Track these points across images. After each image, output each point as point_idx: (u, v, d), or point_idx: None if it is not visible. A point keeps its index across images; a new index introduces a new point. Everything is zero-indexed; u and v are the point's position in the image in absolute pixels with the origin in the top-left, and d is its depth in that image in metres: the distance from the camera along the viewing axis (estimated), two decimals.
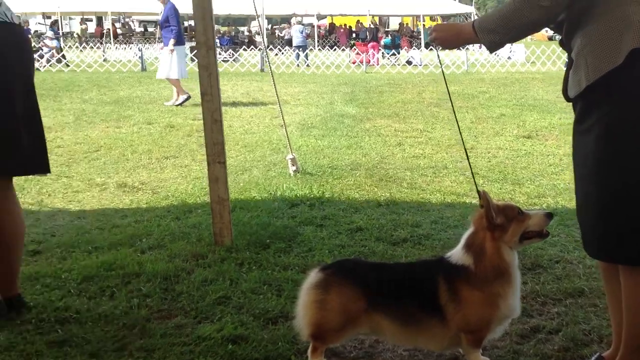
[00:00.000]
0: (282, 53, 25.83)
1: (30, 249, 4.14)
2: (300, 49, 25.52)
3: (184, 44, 12.81)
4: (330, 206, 5.11)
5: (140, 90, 14.84)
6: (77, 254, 4.12)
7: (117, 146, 7.98)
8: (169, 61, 12.00)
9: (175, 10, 12.10)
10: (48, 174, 3.39)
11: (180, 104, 11.86)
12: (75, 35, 40.33)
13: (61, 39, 30.82)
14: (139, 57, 23.89)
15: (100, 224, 4.82)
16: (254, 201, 5.28)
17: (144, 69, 22.56)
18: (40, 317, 3.18)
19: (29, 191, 5.71)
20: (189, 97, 11.94)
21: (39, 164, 3.27)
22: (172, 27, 12.01)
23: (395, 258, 3.95)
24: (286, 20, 47.74)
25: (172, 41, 11.94)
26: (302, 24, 29.70)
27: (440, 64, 3.03)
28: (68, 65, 21.98)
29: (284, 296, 3.37)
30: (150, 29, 47.55)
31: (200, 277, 3.61)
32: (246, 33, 43.49)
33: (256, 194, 5.53)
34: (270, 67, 7.57)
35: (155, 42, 35.41)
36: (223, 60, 23.00)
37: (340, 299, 2.50)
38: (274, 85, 6.69)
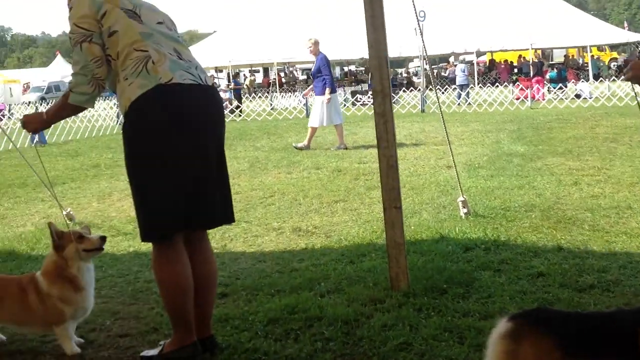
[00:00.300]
0: (442, 92, 25.75)
1: (219, 291, 4.36)
2: (463, 88, 25.34)
3: (336, 91, 13.50)
4: (507, 250, 4.97)
5: (304, 137, 15.37)
6: (261, 296, 4.31)
7: (290, 191, 8.30)
8: (323, 109, 12.67)
9: (327, 60, 12.80)
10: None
11: (342, 149, 12.41)
12: (244, 86, 42.76)
13: (243, 89, 32.84)
14: (304, 104, 24.85)
15: (279, 267, 5.02)
16: (427, 245, 5.26)
17: (308, 115, 23.40)
18: (232, 358, 3.36)
19: (213, 236, 6.07)
20: (345, 147, 12.57)
21: (228, 216, 3.49)
22: (324, 76, 12.64)
23: (582, 306, 3.76)
24: (445, 59, 47.69)
25: (327, 90, 12.57)
26: (464, 62, 29.45)
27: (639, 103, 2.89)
28: (240, 115, 23.29)
29: (466, 344, 3.30)
30: None
31: (380, 322, 3.64)
32: (404, 74, 43.91)
33: (428, 238, 5.50)
34: (440, 107, 7.52)
35: None
36: (362, 105, 23.34)
37: (533, 349, 2.41)
38: (444, 125, 6.67)
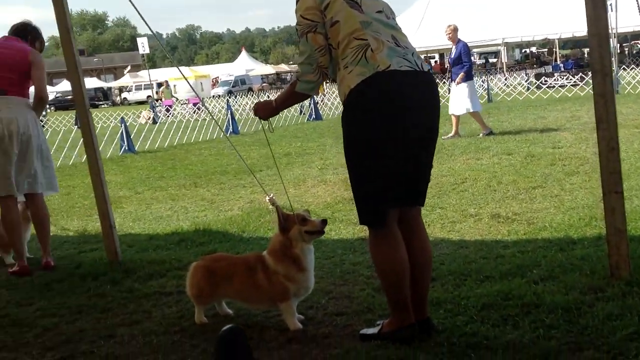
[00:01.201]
0: (638, 71, 23.93)
1: None
2: None
3: (472, 79, 13.26)
4: None
5: (491, 122, 15.01)
6: (470, 282, 4.30)
7: (482, 177, 8.17)
8: (462, 96, 12.61)
9: (468, 47, 12.77)
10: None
11: (488, 134, 12.38)
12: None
13: None
14: (485, 88, 24.24)
15: (483, 253, 4.97)
16: None
17: (490, 100, 22.82)
18: (451, 340, 3.38)
19: None
20: (491, 132, 12.45)
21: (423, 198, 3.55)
22: (464, 63, 12.57)
23: None
24: (637, 36, 44.25)
25: (462, 75, 12.52)
26: None
27: None
28: None
29: None
30: (491, 60, 48.01)
31: (604, 311, 3.50)
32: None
33: None
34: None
35: (496, 73, 35.70)
36: (572, 85, 22.14)
37: None
38: None
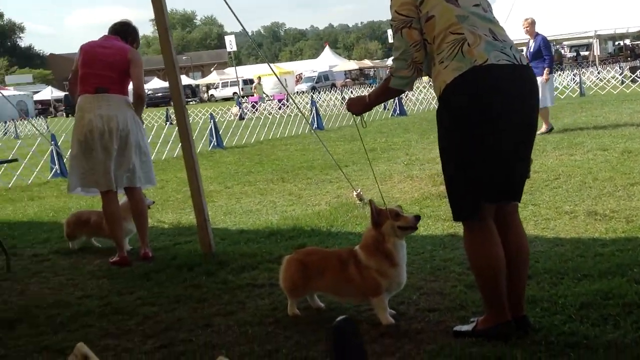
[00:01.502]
0: None
1: None
2: None
3: (552, 73, 12.83)
4: None
5: (584, 117, 14.54)
6: (567, 280, 4.19)
7: (576, 174, 7.92)
8: (542, 90, 11.85)
9: (547, 41, 12.46)
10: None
11: (548, 131, 12.00)
12: None
13: None
14: (577, 82, 23.46)
15: (580, 251, 4.83)
16: None
17: (582, 94, 22.08)
18: (548, 339, 3.31)
19: None
20: (551, 129, 12.10)
21: (519, 194, 3.47)
22: (545, 57, 12.21)
23: None
24: None
25: (547, 70, 12.12)
26: None
27: None
28: None
29: None
30: (583, 53, 46.37)
31: None
32: None
33: None
34: None
35: (589, 67, 34.45)
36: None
37: None
38: None
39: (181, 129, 5.75)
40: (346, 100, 3.92)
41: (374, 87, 3.76)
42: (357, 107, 3.81)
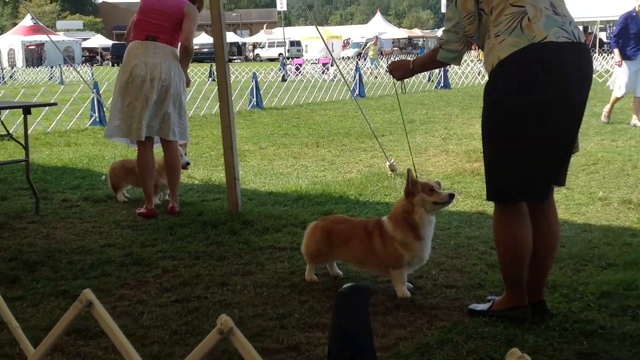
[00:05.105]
0: None
1: None
2: None
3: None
4: None
5: (631, 102, 14.10)
6: (590, 268, 4.11)
7: (616, 160, 7.73)
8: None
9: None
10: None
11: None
12: None
13: None
14: None
15: (608, 239, 4.73)
16: None
17: None
18: (563, 325, 3.26)
19: None
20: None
21: (562, 179, 3.38)
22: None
23: None
24: None
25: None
26: None
27: None
28: None
29: None
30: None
31: None
32: None
33: None
34: None
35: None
36: None
37: None
38: None
39: (221, 87, 5.75)
40: (389, 63, 3.84)
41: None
42: (400, 72, 3.73)
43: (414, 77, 22.35)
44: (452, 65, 25.56)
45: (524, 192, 3.27)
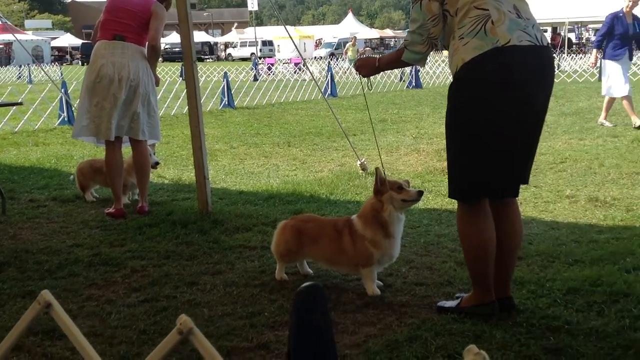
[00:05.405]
0: None
1: None
2: None
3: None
4: None
5: (600, 102, 14.31)
6: (557, 264, 4.16)
7: (583, 158, 7.84)
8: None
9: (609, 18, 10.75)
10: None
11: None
12: None
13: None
14: (597, 67, 23.09)
15: (575, 236, 4.79)
16: None
17: (600, 79, 21.73)
18: (530, 321, 3.29)
19: None
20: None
21: (526, 177, 3.42)
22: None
23: None
24: None
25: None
26: None
27: None
28: None
29: None
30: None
31: None
32: None
33: None
34: None
35: None
36: None
37: None
38: None
39: (189, 86, 5.71)
40: (355, 60, 3.85)
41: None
42: (366, 69, 3.74)
43: (386, 77, 22.42)
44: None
45: (487, 191, 3.30)
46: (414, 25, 3.32)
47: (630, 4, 10.52)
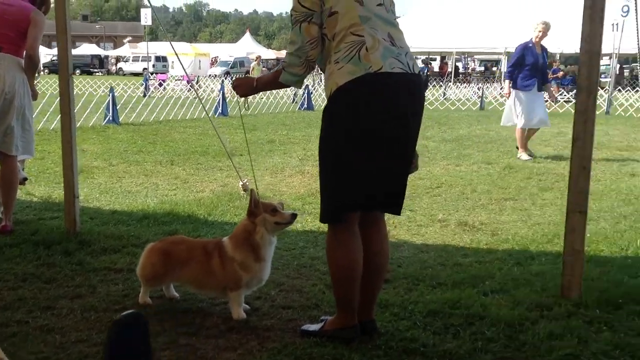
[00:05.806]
0: (633, 93, 23.98)
1: None
2: None
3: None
4: None
5: (479, 129, 15.02)
6: (422, 287, 4.27)
7: (457, 184, 8.15)
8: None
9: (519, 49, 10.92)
10: None
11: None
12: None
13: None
14: (478, 96, 24.21)
15: (442, 259, 4.94)
16: (603, 255, 4.94)
17: (482, 108, 22.79)
18: (389, 344, 3.34)
19: None
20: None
21: (395, 208, 3.48)
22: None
23: None
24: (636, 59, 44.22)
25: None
26: None
27: None
28: None
29: None
30: (494, 68, 47.98)
31: (546, 330, 3.47)
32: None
33: (605, 248, 5.17)
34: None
35: (494, 82, 35.62)
36: (565, 101, 22.11)
37: None
38: None
39: (63, 100, 5.47)
40: (233, 80, 3.82)
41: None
42: (244, 89, 3.71)
43: (278, 97, 22.48)
44: (316, 87, 26.13)
45: (355, 209, 3.33)
46: (293, 47, 3.34)
47: (540, 34, 10.71)
